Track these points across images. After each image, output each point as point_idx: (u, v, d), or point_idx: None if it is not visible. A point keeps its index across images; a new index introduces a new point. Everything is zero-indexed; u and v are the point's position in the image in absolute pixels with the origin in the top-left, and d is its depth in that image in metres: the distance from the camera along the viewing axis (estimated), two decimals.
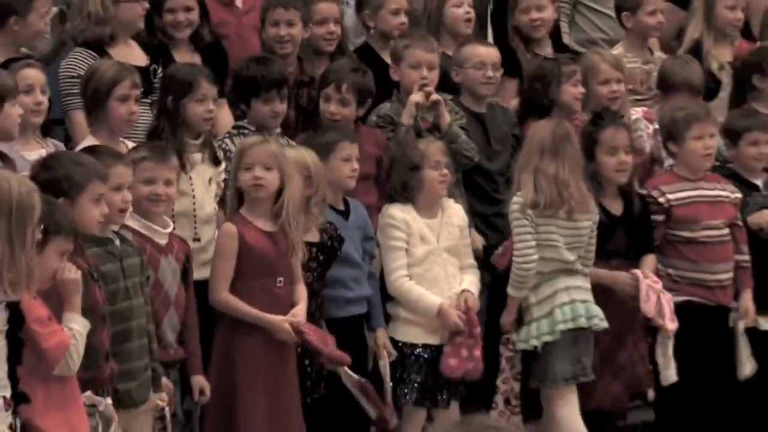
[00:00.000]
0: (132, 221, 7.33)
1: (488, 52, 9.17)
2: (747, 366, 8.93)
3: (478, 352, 8.27)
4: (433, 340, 8.31)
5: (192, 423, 7.81)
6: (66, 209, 6.53)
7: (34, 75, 7.81)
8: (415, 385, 8.29)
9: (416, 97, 8.69)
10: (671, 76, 9.60)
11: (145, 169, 7.40)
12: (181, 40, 8.92)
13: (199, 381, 7.61)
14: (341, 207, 8.24)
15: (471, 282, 8.44)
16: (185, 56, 8.81)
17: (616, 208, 8.73)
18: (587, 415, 8.59)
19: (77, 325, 6.34)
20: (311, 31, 9.17)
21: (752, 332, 9.02)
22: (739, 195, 9.02)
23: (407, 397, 8.29)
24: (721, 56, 10.00)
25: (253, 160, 7.66)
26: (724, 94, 9.89)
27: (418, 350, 8.31)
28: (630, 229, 8.77)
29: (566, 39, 10.30)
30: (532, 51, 9.79)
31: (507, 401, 8.60)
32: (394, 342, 8.31)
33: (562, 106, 9.10)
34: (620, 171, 8.69)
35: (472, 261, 8.54)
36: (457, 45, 9.37)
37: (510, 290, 8.47)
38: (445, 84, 9.12)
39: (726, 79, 9.92)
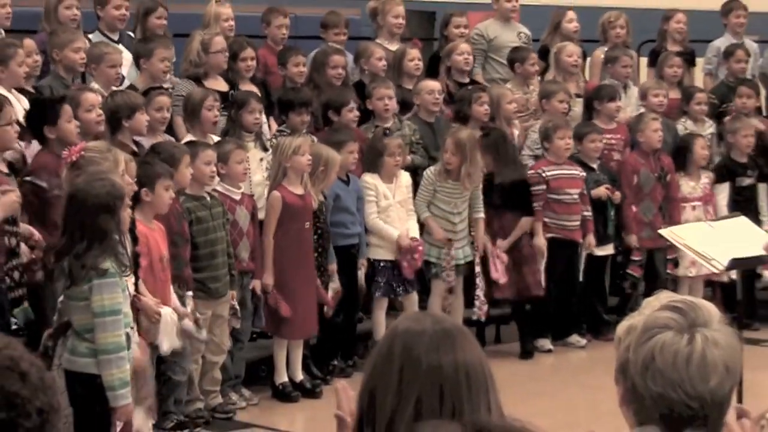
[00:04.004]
0: (218, 186, 7.44)
1: (435, 85, 9.10)
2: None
3: (419, 262, 8.40)
4: (391, 257, 8.35)
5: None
6: (169, 173, 6.70)
7: (164, 100, 7.68)
8: (381, 284, 8.34)
9: (386, 122, 8.73)
10: (549, 86, 9.50)
11: (238, 154, 7.51)
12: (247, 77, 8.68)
13: (256, 283, 7.67)
14: (345, 178, 8.21)
15: (414, 227, 8.45)
16: (247, 86, 8.57)
17: None
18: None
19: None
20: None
21: (591, 257, 9.17)
22: (584, 174, 9.03)
23: (377, 292, 8.35)
24: (570, 89, 9.62)
25: (305, 150, 7.66)
26: (572, 113, 9.52)
27: (382, 263, 8.37)
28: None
29: (479, 77, 9.92)
30: (456, 81, 9.54)
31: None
32: (369, 260, 8.37)
33: (473, 118, 8.97)
34: None
35: (412, 208, 8.52)
36: (414, 81, 9.25)
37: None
38: (405, 105, 9.12)
39: (572, 102, 9.55)
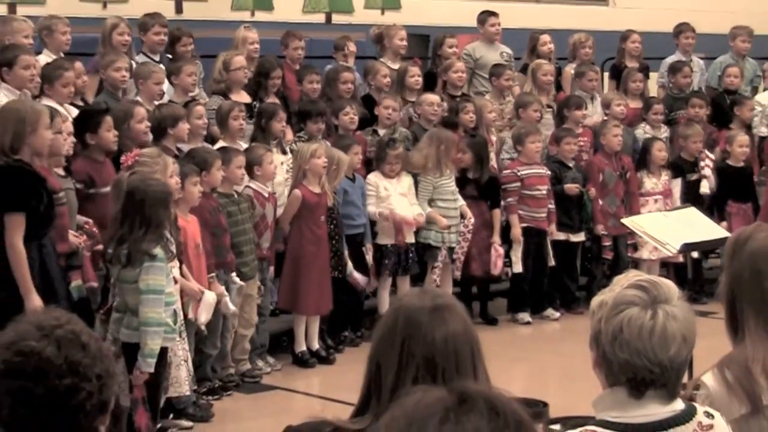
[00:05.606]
0: (251, 184, 7.42)
1: (435, 98, 9.00)
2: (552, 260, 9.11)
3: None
4: (393, 241, 8.32)
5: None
6: (195, 171, 6.64)
7: (201, 109, 7.64)
8: (388, 265, 8.32)
9: (383, 130, 8.71)
10: (525, 98, 9.41)
11: (269, 157, 7.50)
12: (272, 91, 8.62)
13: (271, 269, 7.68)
14: (351, 177, 8.19)
15: (419, 210, 8.38)
16: (271, 98, 8.50)
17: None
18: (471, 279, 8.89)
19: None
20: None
21: (566, 242, 9.16)
22: (549, 173, 9.00)
23: (385, 271, 8.32)
24: (543, 100, 9.58)
25: (321, 153, 7.69)
26: (545, 120, 9.49)
27: (389, 246, 8.34)
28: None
29: (465, 89, 9.73)
30: (449, 94, 9.43)
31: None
32: (378, 244, 8.34)
33: (461, 124, 8.93)
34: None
35: (416, 202, 8.43)
36: (415, 95, 9.16)
37: None
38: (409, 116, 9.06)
39: (545, 112, 9.55)
